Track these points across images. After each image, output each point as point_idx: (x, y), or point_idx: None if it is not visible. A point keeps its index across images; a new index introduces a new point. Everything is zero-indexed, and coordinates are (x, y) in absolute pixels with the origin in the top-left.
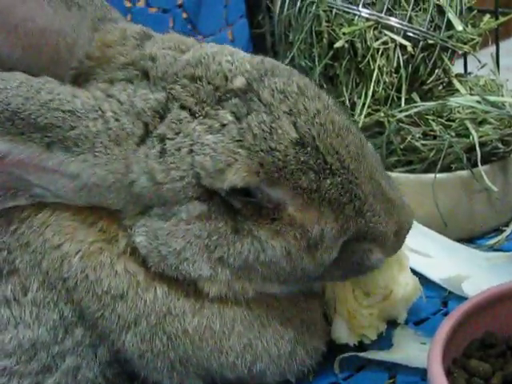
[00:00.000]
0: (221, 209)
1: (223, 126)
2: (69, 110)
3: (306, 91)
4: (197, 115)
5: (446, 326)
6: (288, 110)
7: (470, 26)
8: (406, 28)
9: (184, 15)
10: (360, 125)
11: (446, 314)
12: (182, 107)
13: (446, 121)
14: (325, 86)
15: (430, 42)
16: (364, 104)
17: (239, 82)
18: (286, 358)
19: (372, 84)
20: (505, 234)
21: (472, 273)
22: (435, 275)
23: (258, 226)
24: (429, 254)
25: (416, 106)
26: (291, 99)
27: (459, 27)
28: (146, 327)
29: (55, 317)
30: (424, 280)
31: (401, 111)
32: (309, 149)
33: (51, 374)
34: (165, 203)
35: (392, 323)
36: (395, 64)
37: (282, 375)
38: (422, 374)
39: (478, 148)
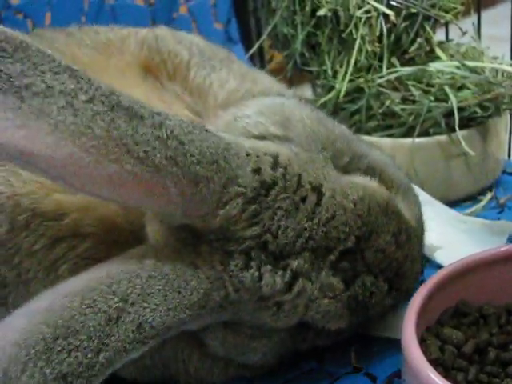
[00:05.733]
0: None
1: (336, 295)
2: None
3: (400, 239)
4: (313, 281)
5: (420, 295)
6: (384, 268)
7: None
8: None
9: None
10: (342, 94)
11: (421, 283)
12: (303, 277)
13: (426, 86)
14: (307, 54)
15: (413, 11)
16: (346, 73)
17: (351, 243)
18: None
19: (354, 53)
20: (481, 204)
21: (448, 238)
22: None
23: None
24: None
25: (396, 72)
26: (388, 259)
27: None
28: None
29: None
30: None
31: (381, 76)
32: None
33: None
34: (258, 327)
35: None
36: (378, 33)
37: None
38: (397, 341)
39: (456, 113)
